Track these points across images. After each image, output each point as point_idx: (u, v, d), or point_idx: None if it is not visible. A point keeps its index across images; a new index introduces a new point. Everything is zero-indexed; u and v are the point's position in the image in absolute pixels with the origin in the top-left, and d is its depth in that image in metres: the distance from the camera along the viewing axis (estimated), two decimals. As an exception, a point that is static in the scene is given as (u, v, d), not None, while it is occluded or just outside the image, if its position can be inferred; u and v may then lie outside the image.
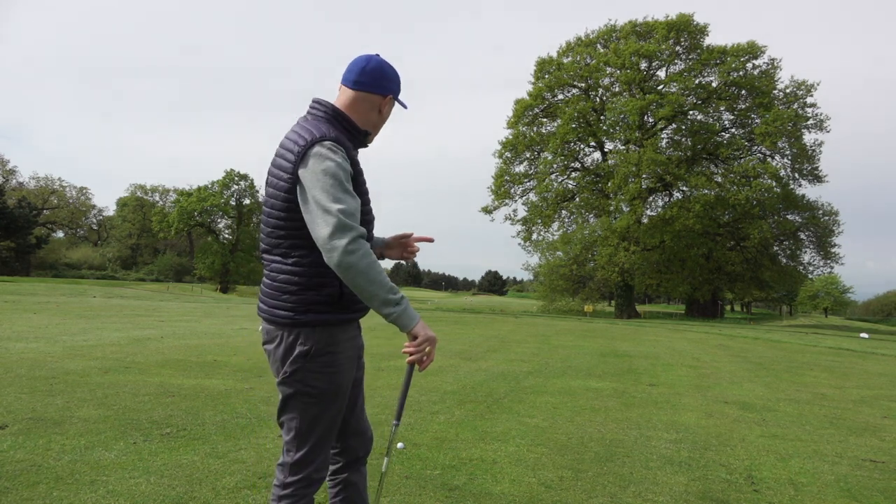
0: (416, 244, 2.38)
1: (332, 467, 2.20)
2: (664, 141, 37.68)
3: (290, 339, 1.96)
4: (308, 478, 2.01)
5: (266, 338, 2.05)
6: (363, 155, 2.13)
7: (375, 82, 2.02)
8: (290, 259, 1.94)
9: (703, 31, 37.05)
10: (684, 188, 37.22)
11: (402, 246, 2.38)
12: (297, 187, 1.88)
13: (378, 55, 2.06)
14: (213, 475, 3.36)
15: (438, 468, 3.72)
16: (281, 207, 1.92)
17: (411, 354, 1.91)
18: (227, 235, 63.51)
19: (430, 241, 2.42)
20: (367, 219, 2.02)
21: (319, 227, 1.79)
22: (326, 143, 1.87)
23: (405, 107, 2.16)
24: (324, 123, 1.96)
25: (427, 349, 1.92)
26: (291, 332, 1.96)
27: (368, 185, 2.07)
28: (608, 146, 39.59)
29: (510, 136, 39.90)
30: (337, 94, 2.07)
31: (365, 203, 2.00)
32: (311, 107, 2.06)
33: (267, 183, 2.01)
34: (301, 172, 1.86)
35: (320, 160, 1.84)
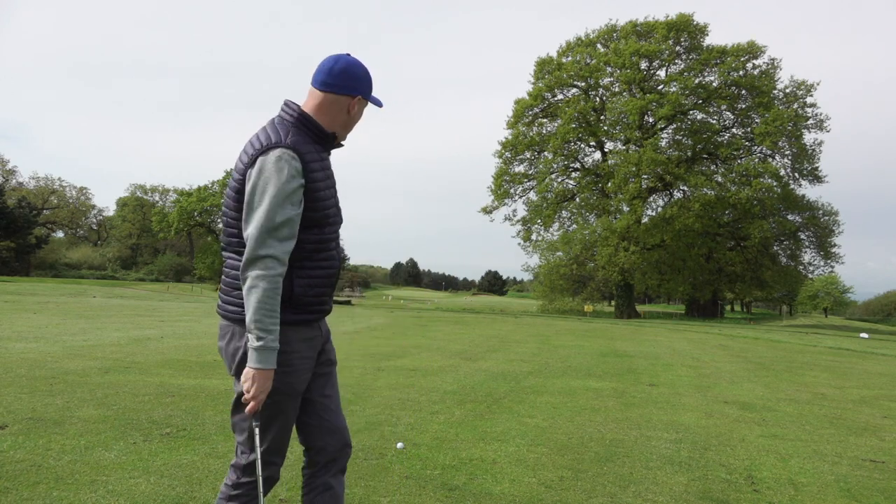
0: None
1: (307, 470, 2.15)
2: (664, 141, 37.68)
3: (241, 336, 1.95)
4: (263, 479, 1.99)
5: (220, 333, 2.04)
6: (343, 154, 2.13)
7: (343, 83, 2.00)
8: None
9: (703, 30, 37.04)
10: (684, 188, 37.23)
11: None
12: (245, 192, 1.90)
13: (348, 55, 2.03)
14: (213, 475, 3.36)
15: (438, 468, 3.72)
16: (233, 207, 1.95)
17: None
18: (227, 235, 63.41)
19: None
20: (328, 221, 2.01)
21: (249, 237, 1.85)
22: (278, 151, 1.87)
23: (380, 105, 2.14)
24: (288, 127, 1.96)
25: (249, 391, 1.85)
26: (242, 327, 1.95)
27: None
28: (608, 146, 39.58)
29: (510, 137, 39.88)
30: (306, 96, 2.06)
31: (325, 207, 1.98)
32: (281, 108, 2.05)
33: (228, 183, 2.04)
34: (249, 175, 1.89)
35: (267, 169, 1.86)
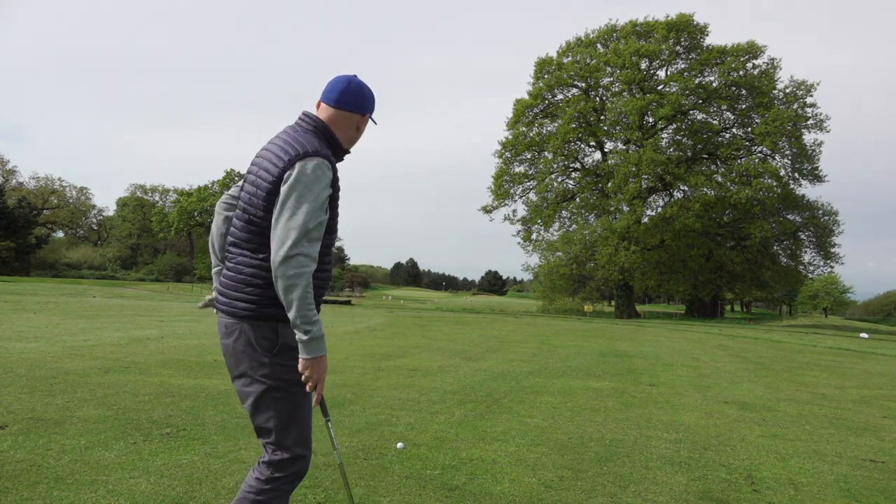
0: None
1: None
2: (664, 141, 37.68)
3: (251, 333, 1.99)
4: (294, 473, 2.04)
5: (224, 331, 2.06)
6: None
7: (356, 102, 2.15)
8: (261, 254, 2.01)
9: (702, 31, 37.06)
10: (684, 188, 37.24)
11: None
12: (280, 192, 1.95)
13: (356, 76, 2.18)
14: (213, 475, 3.36)
15: (438, 468, 3.72)
16: (261, 207, 2.00)
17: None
18: (227, 235, 63.38)
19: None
20: (336, 228, 2.15)
21: (282, 235, 1.89)
22: (317, 159, 1.97)
23: (376, 123, 2.29)
24: (314, 137, 2.06)
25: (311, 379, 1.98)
26: (252, 325, 2.00)
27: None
28: (608, 146, 39.61)
29: (510, 137, 39.91)
30: (315, 111, 2.17)
31: (337, 215, 2.12)
32: (300, 118, 2.15)
33: (247, 181, 2.09)
34: (287, 179, 1.94)
35: (307, 175, 1.93)
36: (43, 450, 3.64)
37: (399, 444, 4.14)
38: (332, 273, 2.23)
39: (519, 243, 40.87)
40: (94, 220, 79.62)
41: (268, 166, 2.00)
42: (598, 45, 38.94)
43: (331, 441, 2.18)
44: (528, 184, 40.47)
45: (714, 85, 36.37)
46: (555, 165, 39.98)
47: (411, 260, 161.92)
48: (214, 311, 2.16)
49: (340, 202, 2.15)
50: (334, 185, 2.03)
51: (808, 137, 36.58)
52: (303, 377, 1.97)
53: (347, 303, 41.59)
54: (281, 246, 1.88)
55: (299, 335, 1.91)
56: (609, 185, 35.93)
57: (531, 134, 39.68)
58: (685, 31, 36.63)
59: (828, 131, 36.19)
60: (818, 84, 35.81)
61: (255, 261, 2.01)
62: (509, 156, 40.21)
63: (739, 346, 14.60)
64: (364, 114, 2.18)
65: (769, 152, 36.26)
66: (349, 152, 2.21)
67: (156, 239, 73.26)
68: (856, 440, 5.06)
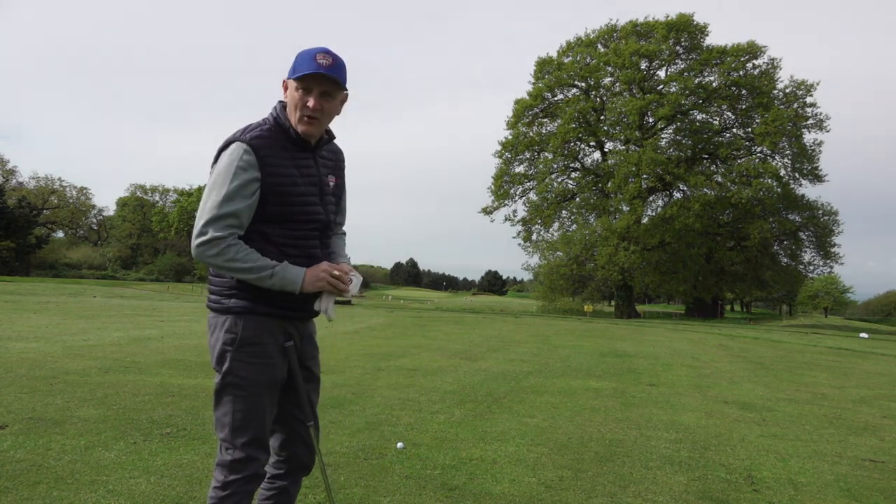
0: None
1: (272, 471, 2.17)
2: (664, 141, 37.70)
3: (219, 325, 1.99)
4: (249, 475, 2.00)
5: (208, 330, 2.07)
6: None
7: (290, 70, 2.04)
8: None
9: (702, 30, 37.08)
10: (684, 188, 37.25)
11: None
12: None
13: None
14: (212, 475, 3.36)
15: (438, 468, 3.72)
16: None
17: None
18: (227, 235, 63.43)
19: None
20: (302, 218, 2.02)
21: (196, 219, 1.91)
22: (234, 145, 1.94)
23: (305, 72, 1.94)
24: (250, 124, 2.03)
25: (335, 280, 2.00)
26: (220, 317, 2.00)
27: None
28: (608, 146, 39.60)
29: (510, 137, 39.91)
30: None
31: (296, 203, 1.99)
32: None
33: None
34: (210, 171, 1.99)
35: (219, 164, 1.94)
36: (43, 450, 3.64)
37: (399, 444, 4.14)
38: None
39: (519, 244, 40.88)
40: (94, 220, 79.63)
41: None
42: (599, 45, 38.96)
43: (315, 444, 2.15)
44: (528, 184, 40.48)
45: (714, 85, 36.37)
46: (555, 165, 39.99)
47: (411, 260, 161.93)
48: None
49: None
50: (267, 169, 1.91)
51: (808, 137, 36.64)
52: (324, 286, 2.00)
53: (348, 303, 41.56)
54: (192, 237, 1.90)
55: (270, 283, 1.91)
56: (609, 185, 35.93)
57: (531, 134, 39.67)
58: (685, 31, 36.64)
59: (828, 131, 36.24)
60: (818, 84, 35.86)
61: None
62: (509, 156, 40.19)
63: (739, 346, 14.60)
64: (291, 77, 1.98)
65: (769, 152, 36.25)
66: (307, 132, 2.00)
67: (156, 239, 73.25)
68: (856, 440, 5.06)
